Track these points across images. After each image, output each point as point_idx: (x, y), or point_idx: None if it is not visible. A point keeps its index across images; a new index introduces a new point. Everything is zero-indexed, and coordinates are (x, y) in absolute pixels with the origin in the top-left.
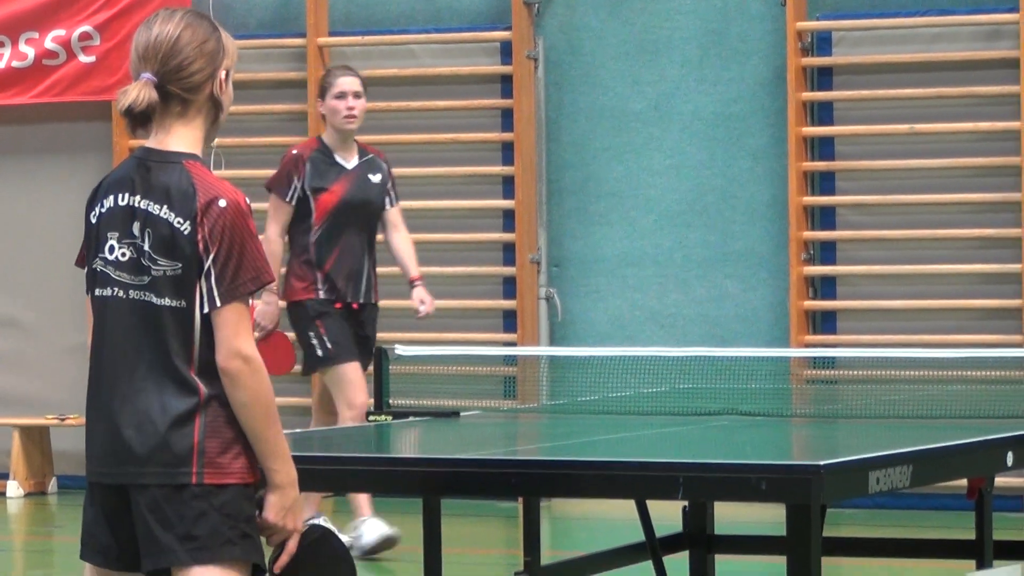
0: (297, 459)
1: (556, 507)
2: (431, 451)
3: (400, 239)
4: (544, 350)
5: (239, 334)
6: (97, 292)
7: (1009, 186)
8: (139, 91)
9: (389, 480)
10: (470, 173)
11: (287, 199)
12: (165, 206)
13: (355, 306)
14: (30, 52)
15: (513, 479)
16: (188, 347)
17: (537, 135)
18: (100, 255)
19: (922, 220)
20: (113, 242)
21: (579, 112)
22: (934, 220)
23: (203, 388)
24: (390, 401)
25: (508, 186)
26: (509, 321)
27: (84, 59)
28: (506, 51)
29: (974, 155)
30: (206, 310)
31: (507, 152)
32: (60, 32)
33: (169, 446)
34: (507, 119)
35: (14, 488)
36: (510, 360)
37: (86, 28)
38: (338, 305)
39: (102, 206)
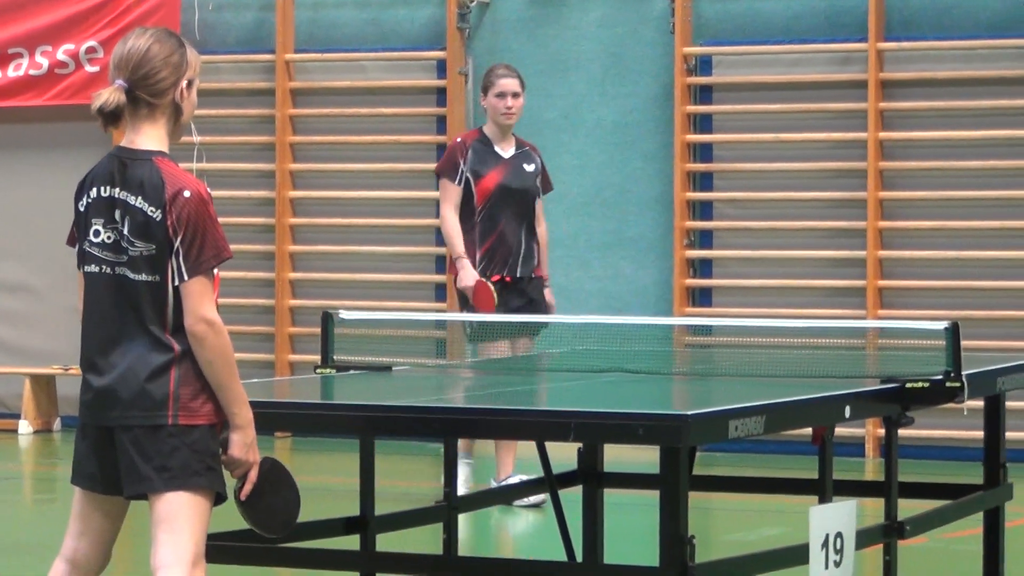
0: (257, 404)
1: (479, 448)
2: (367, 399)
3: (539, 231)
4: (468, 317)
5: (203, 302)
6: (86, 268)
7: (856, 186)
8: (110, 94)
9: (332, 423)
10: (409, 169)
11: (456, 181)
12: (140, 196)
13: (508, 279)
14: (44, 62)
15: (434, 423)
16: (162, 313)
17: None
18: (87, 238)
19: (784, 213)
20: (98, 227)
21: None
22: (794, 213)
23: (176, 346)
24: (334, 357)
25: None
26: (440, 292)
27: (90, 69)
28: (441, 68)
29: (828, 160)
30: (176, 283)
31: (440, 152)
32: (70, 46)
33: (148, 394)
34: (441, 124)
35: (24, 426)
36: (440, 325)
37: (92, 43)
38: (495, 278)
39: (88, 196)
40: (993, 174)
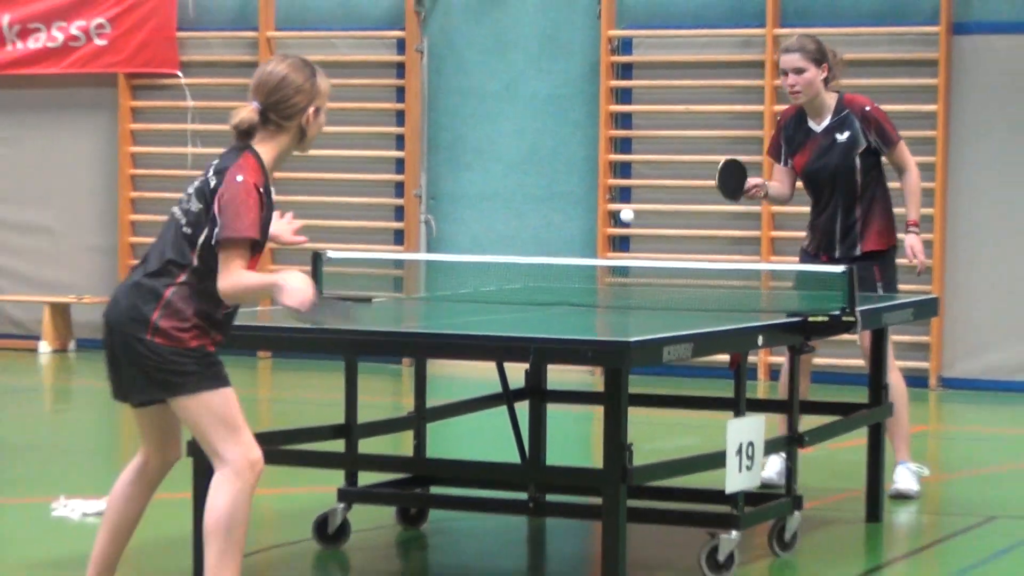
0: (253, 329)
1: (433, 368)
2: (355, 324)
3: (904, 180)
4: (423, 256)
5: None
6: None
7: (754, 151)
8: (246, 113)
9: (320, 345)
10: (373, 132)
11: (781, 162)
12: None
13: (824, 258)
14: (60, 36)
15: (412, 345)
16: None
17: (421, 106)
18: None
19: (692, 173)
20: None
21: (451, 91)
22: (701, 174)
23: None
24: (323, 290)
25: (400, 141)
26: (398, 237)
27: (98, 42)
28: (401, 45)
29: (730, 129)
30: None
31: (399, 117)
32: (82, 22)
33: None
34: (400, 94)
35: (44, 347)
36: (399, 264)
37: (100, 20)
38: (824, 257)
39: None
40: None
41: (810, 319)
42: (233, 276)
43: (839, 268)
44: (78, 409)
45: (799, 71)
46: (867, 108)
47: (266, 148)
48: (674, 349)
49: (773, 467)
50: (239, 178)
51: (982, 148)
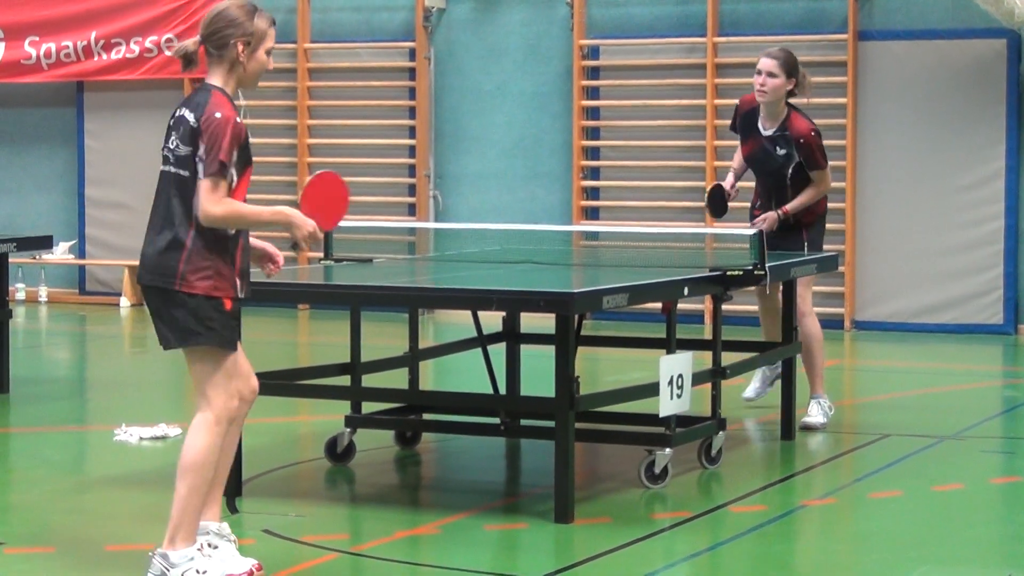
0: (274, 285)
1: (438, 316)
2: (355, 280)
3: (810, 185)
4: (431, 225)
5: (207, 199)
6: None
7: (697, 137)
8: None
9: (329, 296)
10: (390, 124)
11: (740, 139)
12: (190, 111)
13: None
14: (136, 49)
15: (401, 298)
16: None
17: (429, 103)
18: (165, 144)
19: (648, 155)
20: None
21: (454, 90)
22: (655, 155)
23: (190, 230)
24: (333, 252)
25: (412, 132)
26: (411, 209)
27: (167, 53)
28: (412, 54)
29: (678, 119)
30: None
31: (411, 112)
32: (155, 37)
33: (164, 264)
34: (412, 93)
35: (124, 302)
36: (412, 231)
37: (170, 35)
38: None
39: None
40: None
41: (728, 273)
42: (214, 206)
43: (751, 231)
44: (149, 353)
45: (772, 75)
46: (803, 138)
47: (217, 78)
48: (613, 298)
49: (752, 388)
50: (217, 115)
51: (883, 132)
